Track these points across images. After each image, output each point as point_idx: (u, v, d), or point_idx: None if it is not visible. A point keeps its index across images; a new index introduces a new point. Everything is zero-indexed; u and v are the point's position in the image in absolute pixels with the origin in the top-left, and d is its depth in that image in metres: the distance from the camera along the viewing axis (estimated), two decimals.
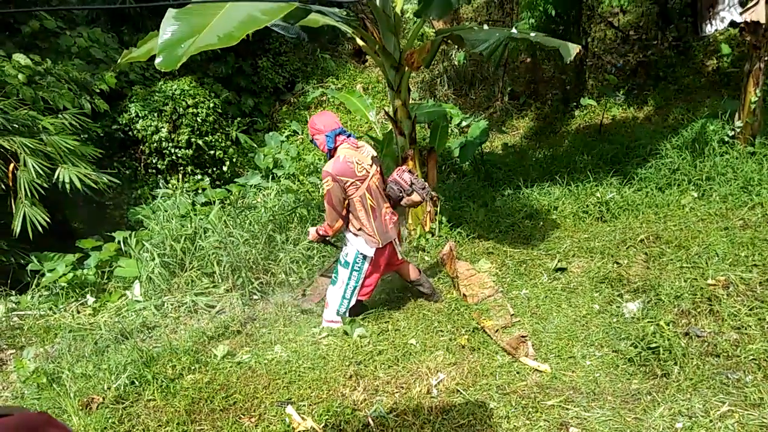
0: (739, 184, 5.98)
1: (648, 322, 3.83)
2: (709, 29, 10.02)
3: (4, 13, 8.36)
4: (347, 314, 4.41)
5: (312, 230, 4.36)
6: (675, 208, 5.92)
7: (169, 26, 3.56)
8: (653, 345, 3.59)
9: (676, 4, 10.66)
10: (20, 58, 7.49)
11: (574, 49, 4.66)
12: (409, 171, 4.41)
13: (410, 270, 4.69)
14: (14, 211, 6.47)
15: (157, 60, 3.43)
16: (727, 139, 6.76)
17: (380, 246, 4.21)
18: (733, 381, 3.19)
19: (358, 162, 4.08)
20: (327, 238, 4.37)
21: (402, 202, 4.39)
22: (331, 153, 4.13)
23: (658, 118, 8.77)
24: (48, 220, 6.50)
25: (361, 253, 4.23)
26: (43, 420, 0.84)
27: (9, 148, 6.41)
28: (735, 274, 4.05)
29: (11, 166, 6.45)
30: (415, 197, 4.36)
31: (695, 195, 6.08)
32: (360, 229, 4.17)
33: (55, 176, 6.70)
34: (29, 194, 6.44)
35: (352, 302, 4.40)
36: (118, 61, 4.98)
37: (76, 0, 9.84)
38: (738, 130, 6.69)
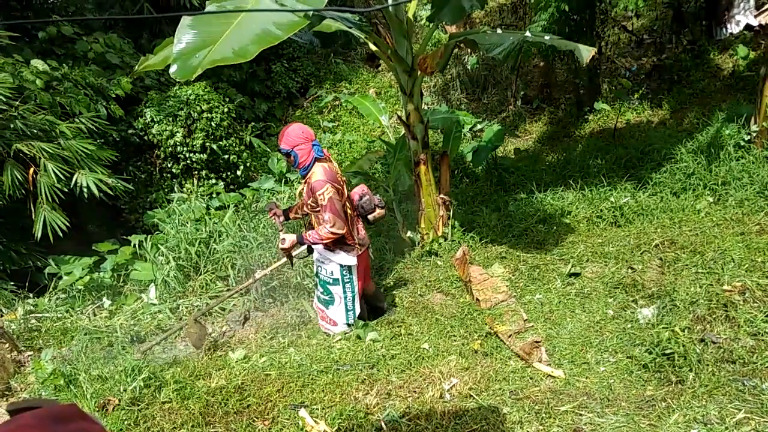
0: (756, 188, 5.92)
1: (663, 328, 3.80)
2: (724, 33, 9.94)
3: (23, 23, 8.49)
4: (357, 320, 4.47)
5: (290, 237, 4.17)
6: (690, 213, 5.87)
7: (183, 35, 3.59)
8: (668, 351, 3.57)
9: (691, 8, 10.59)
10: (38, 63, 7.61)
11: (590, 51, 4.61)
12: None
13: (372, 285, 4.84)
14: (34, 216, 6.56)
15: (172, 69, 3.46)
16: (742, 143, 6.70)
17: (360, 253, 4.31)
18: (750, 388, 3.16)
19: (337, 171, 4.19)
20: (294, 253, 4.41)
21: (371, 216, 4.47)
22: (307, 166, 4.11)
23: (673, 122, 8.70)
24: (68, 224, 6.60)
25: (346, 266, 4.26)
26: (74, 411, 0.86)
27: (28, 152, 6.52)
28: (751, 280, 4.01)
29: (31, 170, 6.55)
30: (382, 212, 4.50)
31: (711, 200, 6.03)
32: (339, 242, 4.18)
33: (73, 181, 6.79)
34: (49, 198, 6.53)
35: (358, 310, 4.45)
36: (135, 68, 5.03)
37: (92, 8, 9.98)
38: (754, 134, 6.63)
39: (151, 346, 4.34)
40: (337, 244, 4.20)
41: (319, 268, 4.37)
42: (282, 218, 4.52)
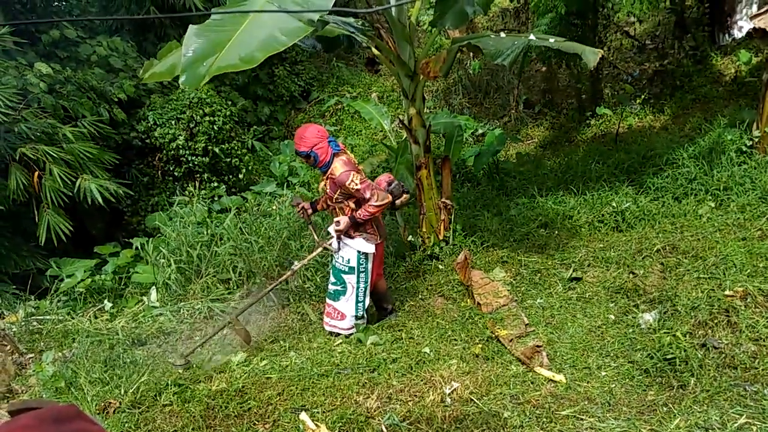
0: (758, 194, 5.90)
1: (664, 333, 3.80)
2: (727, 38, 9.95)
3: (27, 23, 8.53)
4: (365, 317, 4.47)
5: (344, 219, 4.24)
6: (692, 218, 5.86)
7: (191, 44, 3.61)
8: (669, 356, 3.56)
9: (693, 14, 10.59)
10: (42, 66, 7.63)
11: (596, 54, 4.56)
12: None
13: (384, 283, 4.85)
14: (38, 219, 6.59)
15: (181, 79, 3.51)
16: (744, 148, 6.69)
17: (378, 242, 4.40)
18: (751, 393, 3.16)
19: (354, 161, 4.32)
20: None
21: (398, 201, 4.51)
22: (327, 162, 4.19)
23: (675, 127, 8.69)
24: (71, 228, 6.62)
25: (363, 253, 4.32)
26: (74, 412, 0.87)
27: (32, 156, 6.54)
28: (753, 285, 4.00)
29: (35, 174, 6.57)
30: (407, 196, 4.59)
31: (712, 205, 6.02)
32: (358, 229, 4.28)
33: (77, 186, 6.82)
34: (55, 203, 6.56)
35: (367, 303, 4.49)
36: (140, 74, 5.03)
37: (97, 11, 10.02)
38: (756, 139, 6.62)
39: (194, 349, 4.35)
40: (358, 229, 4.28)
41: (336, 257, 4.41)
42: (311, 211, 4.63)
